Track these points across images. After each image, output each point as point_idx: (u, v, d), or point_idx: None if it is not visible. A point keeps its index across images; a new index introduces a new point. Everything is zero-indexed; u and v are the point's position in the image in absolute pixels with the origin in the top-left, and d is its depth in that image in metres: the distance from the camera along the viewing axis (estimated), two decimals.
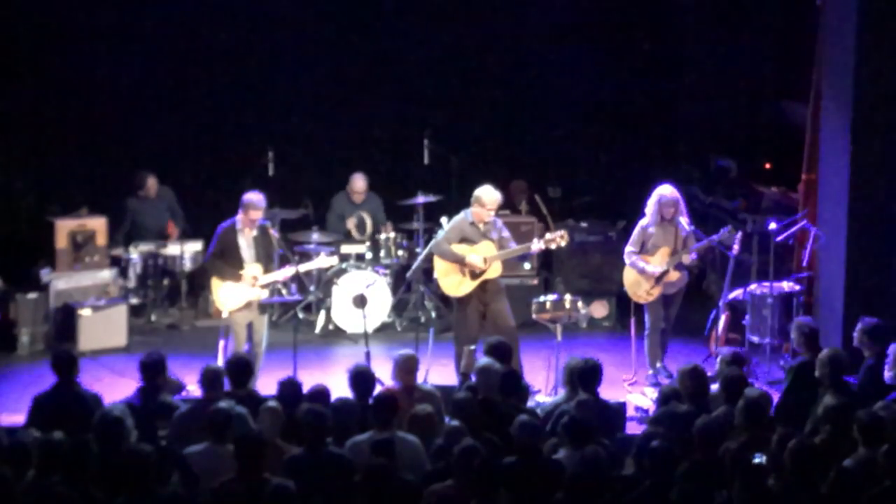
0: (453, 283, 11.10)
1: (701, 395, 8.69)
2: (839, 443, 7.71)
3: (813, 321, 10.16)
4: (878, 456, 7.22)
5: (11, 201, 13.86)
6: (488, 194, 11.03)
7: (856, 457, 7.50)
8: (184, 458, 7.67)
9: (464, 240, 11.06)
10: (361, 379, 8.70)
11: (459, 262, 10.99)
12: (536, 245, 11.09)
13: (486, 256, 10.98)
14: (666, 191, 11.36)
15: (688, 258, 11.28)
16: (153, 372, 8.84)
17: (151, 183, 13.76)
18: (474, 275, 11.04)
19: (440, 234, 11.38)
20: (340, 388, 8.89)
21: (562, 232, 11.18)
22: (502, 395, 8.68)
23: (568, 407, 8.43)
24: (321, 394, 8.58)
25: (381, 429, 7.89)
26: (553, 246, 11.21)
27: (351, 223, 13.79)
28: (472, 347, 10.52)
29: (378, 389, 8.84)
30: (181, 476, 7.51)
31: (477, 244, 11.02)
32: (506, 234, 11.19)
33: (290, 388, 8.57)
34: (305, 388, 8.71)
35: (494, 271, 11.07)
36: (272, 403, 8.19)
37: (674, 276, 11.36)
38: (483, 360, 9.00)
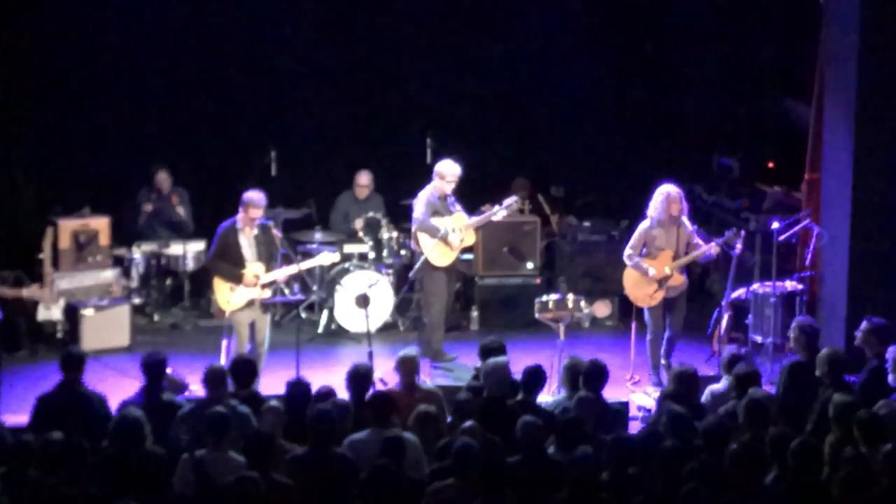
0: (440, 254, 11.78)
1: (690, 398, 8.68)
2: (842, 442, 7.70)
3: (813, 320, 10.13)
4: (879, 455, 7.20)
5: (14, 201, 13.85)
6: (448, 167, 11.87)
7: (855, 455, 7.50)
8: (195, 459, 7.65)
9: (435, 213, 11.83)
10: (359, 378, 8.69)
11: (443, 238, 11.63)
12: (501, 213, 11.94)
13: (461, 226, 11.78)
14: (671, 188, 11.33)
15: (716, 248, 11.22)
16: (155, 371, 8.84)
17: (163, 177, 13.77)
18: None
19: (416, 212, 11.85)
20: (344, 388, 8.88)
21: (513, 198, 12.09)
22: (511, 392, 8.64)
23: (568, 404, 8.41)
24: (329, 395, 8.59)
25: (379, 426, 7.87)
26: (515, 208, 12.11)
27: (359, 223, 13.72)
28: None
29: (379, 388, 8.82)
30: (194, 476, 7.48)
31: (448, 216, 11.76)
32: (458, 206, 11.98)
33: (297, 389, 8.57)
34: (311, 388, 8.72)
35: (470, 238, 11.99)
36: (274, 403, 8.20)
37: (677, 280, 11.33)
38: (491, 360, 8.93)
